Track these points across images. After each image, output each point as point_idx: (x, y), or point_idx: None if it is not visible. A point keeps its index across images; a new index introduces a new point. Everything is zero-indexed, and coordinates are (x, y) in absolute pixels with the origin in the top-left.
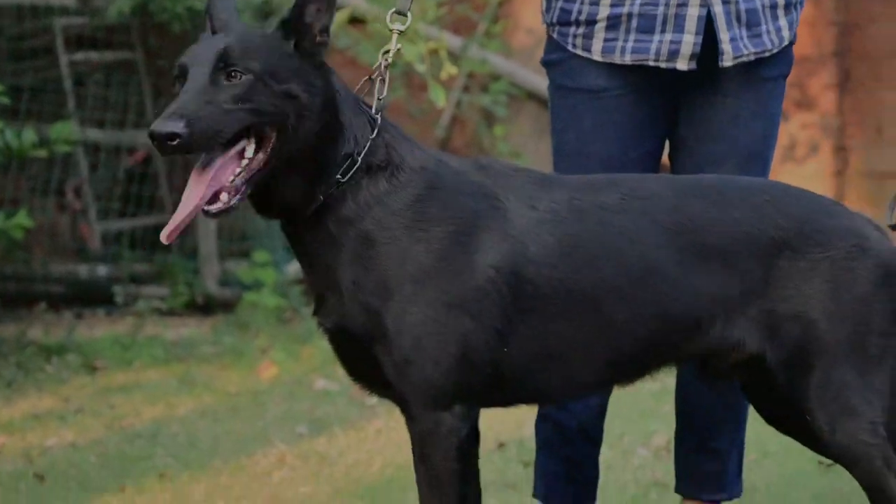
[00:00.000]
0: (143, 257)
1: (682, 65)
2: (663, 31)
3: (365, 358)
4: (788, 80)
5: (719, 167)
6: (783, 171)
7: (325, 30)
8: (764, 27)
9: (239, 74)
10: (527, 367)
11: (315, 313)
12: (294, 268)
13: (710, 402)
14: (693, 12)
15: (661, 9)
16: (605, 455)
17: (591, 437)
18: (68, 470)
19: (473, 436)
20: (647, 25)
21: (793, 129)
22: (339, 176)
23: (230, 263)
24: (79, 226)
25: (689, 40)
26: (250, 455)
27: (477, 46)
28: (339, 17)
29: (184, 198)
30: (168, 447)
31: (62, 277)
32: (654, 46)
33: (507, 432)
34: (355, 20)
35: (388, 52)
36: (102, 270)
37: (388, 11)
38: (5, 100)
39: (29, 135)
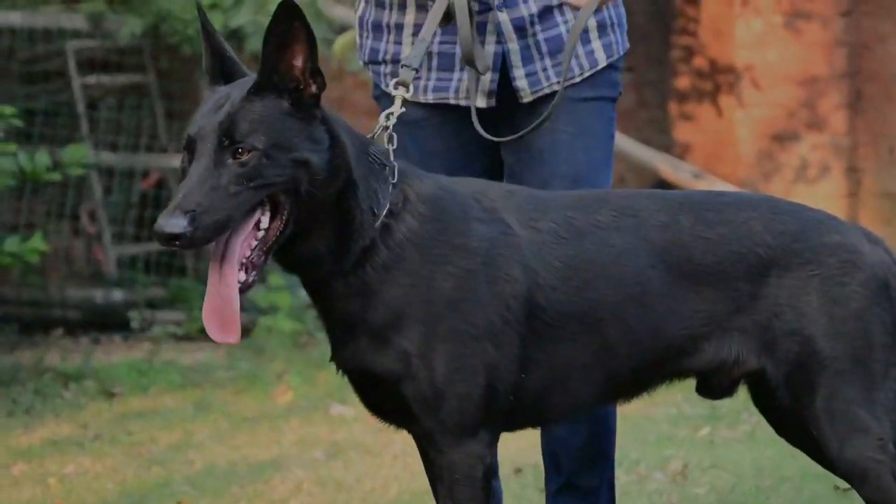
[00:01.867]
0: (158, 282)
1: (480, 102)
2: (462, 68)
3: (390, 396)
4: (799, 100)
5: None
6: (795, 192)
7: (315, 73)
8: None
9: (244, 152)
10: (538, 390)
11: (333, 359)
12: None
13: (576, 440)
14: (489, 49)
15: (458, 47)
16: (622, 480)
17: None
18: (87, 497)
19: (493, 463)
20: (446, 64)
21: (804, 150)
22: (370, 227)
23: None
24: (93, 250)
25: (486, 78)
26: (267, 481)
27: None
28: (348, 38)
29: (215, 285)
30: (185, 473)
31: (78, 303)
32: (453, 84)
33: (524, 458)
34: None
35: (391, 114)
36: (118, 295)
37: (391, 81)
38: (18, 123)
39: (42, 158)
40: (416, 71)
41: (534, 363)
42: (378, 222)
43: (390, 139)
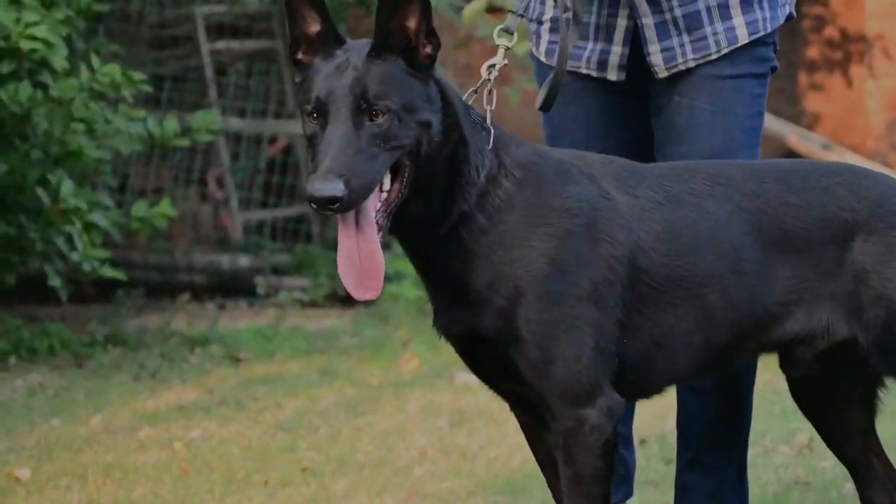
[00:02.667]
0: (285, 248)
1: (612, 75)
2: (595, 39)
3: (499, 361)
4: None
5: None
6: None
7: (429, 34)
8: (709, 29)
9: (380, 114)
10: (639, 358)
11: (436, 324)
12: None
13: (706, 418)
14: (622, 23)
15: (593, 17)
16: (749, 453)
17: (622, 436)
18: (212, 462)
19: (616, 434)
20: (582, 33)
21: None
22: (473, 190)
23: None
24: (220, 216)
25: (617, 51)
26: (391, 449)
27: None
28: (477, 5)
29: (351, 243)
30: (310, 440)
31: (205, 268)
32: (585, 54)
33: (648, 428)
34: (493, 9)
35: (493, 66)
36: (244, 261)
37: (496, 27)
38: (147, 88)
39: (171, 124)
40: (522, 17)
41: (636, 328)
42: (477, 186)
43: (489, 96)
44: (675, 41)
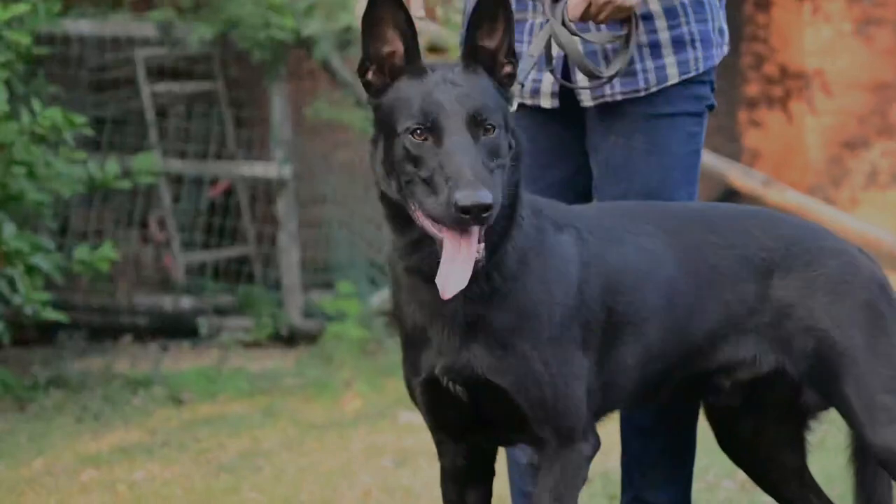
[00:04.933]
0: (227, 289)
1: (545, 103)
2: (540, 69)
3: (503, 403)
4: (869, 107)
5: None
6: (865, 199)
7: (511, 53)
8: (639, 66)
9: (491, 129)
10: (599, 392)
11: (437, 369)
12: (378, 299)
13: (650, 456)
14: (554, 52)
15: (524, 46)
16: (693, 488)
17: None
18: (155, 503)
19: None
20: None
21: (874, 156)
22: (519, 231)
23: (314, 295)
24: (162, 257)
25: (549, 79)
26: (335, 489)
27: None
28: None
29: (453, 250)
30: (253, 481)
31: (147, 310)
32: (526, 85)
33: (593, 467)
34: (435, 49)
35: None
36: (187, 302)
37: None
38: (88, 131)
39: (112, 166)
40: (522, 86)
41: (598, 367)
42: (522, 227)
43: None
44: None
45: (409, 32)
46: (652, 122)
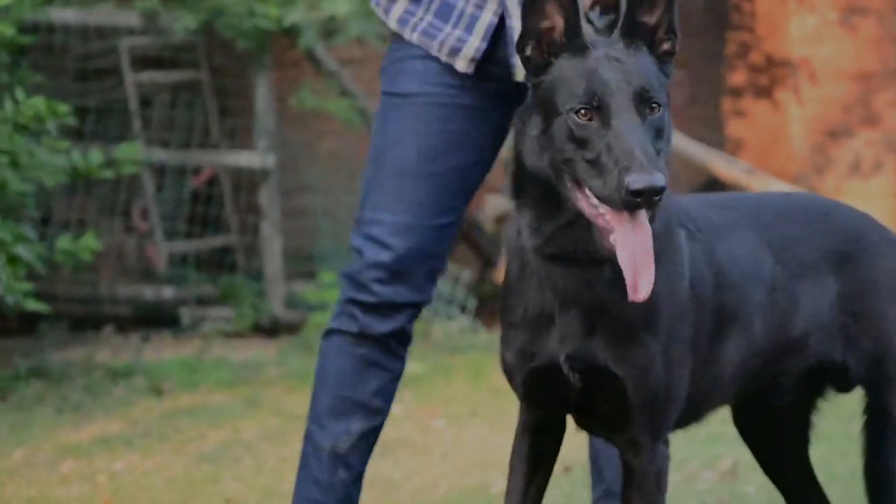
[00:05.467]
0: (209, 279)
1: (460, 65)
2: (456, 25)
3: (612, 394)
4: (853, 96)
5: None
6: (847, 189)
7: (671, 30)
8: None
9: (657, 107)
10: (699, 393)
11: (553, 352)
12: None
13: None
14: (486, 17)
15: (460, 2)
16: (671, 479)
17: (346, 464)
18: (135, 494)
19: None
20: (444, 13)
21: (857, 146)
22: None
23: (297, 285)
24: (145, 247)
25: (474, 43)
26: None
27: None
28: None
29: (630, 243)
30: (234, 471)
31: (129, 300)
32: (441, 36)
33: (573, 456)
34: None
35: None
36: (168, 292)
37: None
38: (71, 120)
39: (95, 156)
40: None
41: (703, 365)
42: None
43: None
44: None
45: (569, 7)
46: None
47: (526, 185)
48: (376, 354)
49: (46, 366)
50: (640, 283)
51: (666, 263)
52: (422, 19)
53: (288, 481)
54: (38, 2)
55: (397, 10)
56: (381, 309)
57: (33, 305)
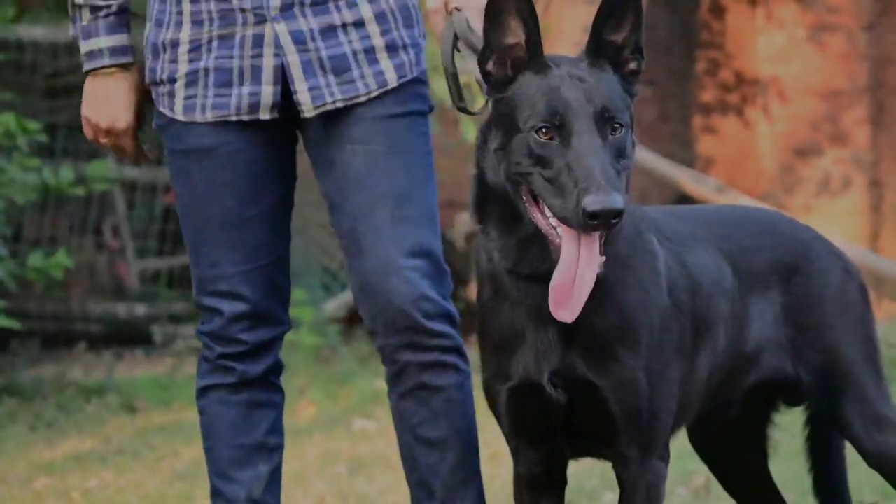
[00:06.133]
0: (181, 297)
1: (264, 115)
2: (241, 83)
3: (595, 411)
4: (822, 113)
5: (373, 216)
6: (817, 206)
7: (637, 50)
8: (356, 72)
9: (619, 128)
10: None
11: (531, 370)
12: (332, 306)
13: (445, 466)
14: (268, 62)
15: (236, 61)
16: None
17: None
18: None
19: None
20: (224, 79)
21: (826, 164)
22: (623, 231)
23: None
24: (116, 265)
25: (269, 91)
26: (289, 496)
27: None
28: None
29: (572, 264)
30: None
31: (101, 317)
32: (233, 100)
33: None
34: None
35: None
36: (141, 310)
37: (170, 102)
38: (42, 138)
39: (66, 173)
40: (157, 84)
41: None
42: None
43: None
44: (321, 81)
45: (532, 24)
46: (388, 123)
47: (488, 202)
48: (258, 394)
49: (19, 383)
50: (569, 302)
51: (638, 268)
52: (206, 97)
53: (288, 469)
54: (6, 19)
55: (178, 102)
56: (256, 353)
57: (4, 322)
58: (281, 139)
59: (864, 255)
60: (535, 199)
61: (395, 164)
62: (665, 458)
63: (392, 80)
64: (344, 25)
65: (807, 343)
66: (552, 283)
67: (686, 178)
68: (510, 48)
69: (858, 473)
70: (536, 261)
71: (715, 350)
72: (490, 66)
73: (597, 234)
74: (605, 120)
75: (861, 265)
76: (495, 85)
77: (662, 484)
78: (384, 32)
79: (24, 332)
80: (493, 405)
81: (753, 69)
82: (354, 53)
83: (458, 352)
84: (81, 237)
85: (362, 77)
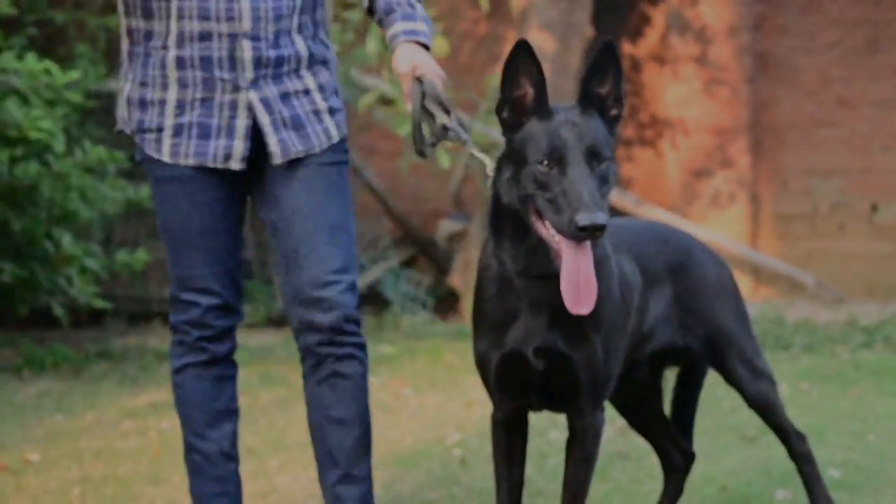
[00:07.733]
0: None
1: (235, 165)
2: (218, 137)
3: (566, 375)
4: (713, 145)
5: (311, 240)
6: (710, 215)
7: (618, 100)
8: (310, 129)
9: (603, 160)
10: None
11: (521, 342)
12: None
13: (349, 440)
14: (241, 122)
15: (215, 119)
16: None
17: (232, 457)
18: (178, 446)
19: None
20: (204, 133)
21: (717, 183)
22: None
23: None
24: None
25: (239, 146)
26: None
27: (480, 123)
28: (371, 97)
29: (575, 265)
30: (252, 428)
31: None
32: (211, 150)
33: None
34: (386, 101)
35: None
36: None
37: (157, 147)
38: (126, 164)
39: (145, 190)
40: (130, 133)
41: None
42: None
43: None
44: (286, 135)
45: (538, 79)
46: (327, 170)
47: (501, 218)
48: (224, 370)
49: (110, 350)
50: (583, 300)
51: (604, 271)
52: (189, 146)
53: (293, 435)
54: (99, 75)
55: (166, 147)
56: (223, 336)
57: (99, 304)
58: (240, 175)
59: (745, 252)
60: (540, 216)
61: (333, 200)
62: (604, 409)
63: (334, 136)
64: (296, 92)
65: (695, 321)
66: (564, 288)
67: (613, 194)
68: (520, 98)
69: (742, 414)
70: (542, 264)
71: (629, 333)
72: (505, 114)
73: (588, 245)
74: (592, 155)
75: (743, 260)
76: (509, 128)
77: (603, 428)
78: (325, 99)
79: (114, 311)
80: (484, 368)
81: (663, 112)
82: (307, 114)
83: (363, 349)
84: (157, 239)
85: (315, 133)
